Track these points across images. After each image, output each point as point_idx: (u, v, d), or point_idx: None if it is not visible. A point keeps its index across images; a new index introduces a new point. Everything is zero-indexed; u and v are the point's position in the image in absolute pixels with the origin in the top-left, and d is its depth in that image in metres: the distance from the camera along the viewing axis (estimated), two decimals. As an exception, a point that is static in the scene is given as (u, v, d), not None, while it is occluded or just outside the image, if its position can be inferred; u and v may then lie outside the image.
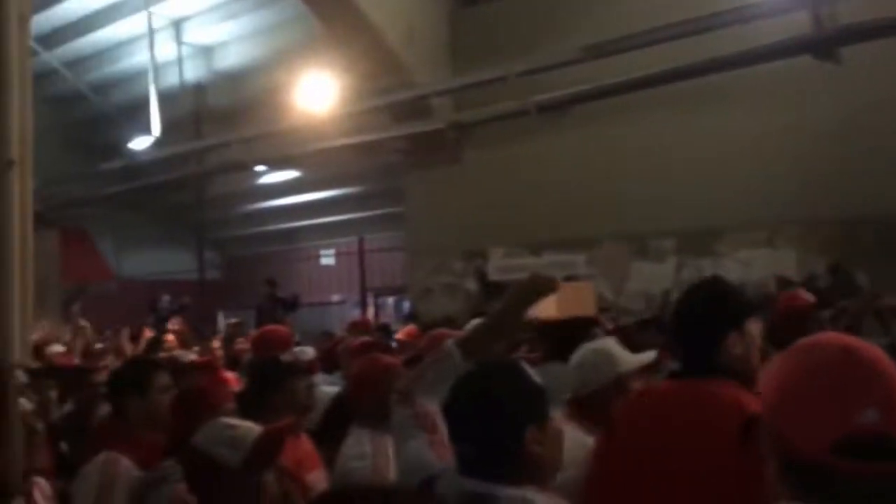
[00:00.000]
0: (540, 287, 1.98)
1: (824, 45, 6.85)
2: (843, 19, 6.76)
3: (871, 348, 1.23)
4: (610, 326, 4.77)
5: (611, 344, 2.81)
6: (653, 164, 8.29)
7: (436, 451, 1.89)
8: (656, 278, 8.40)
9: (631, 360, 2.68)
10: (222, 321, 8.22)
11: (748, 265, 8.02)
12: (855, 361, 1.19)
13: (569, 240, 9.02)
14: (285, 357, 3.38)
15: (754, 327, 1.99)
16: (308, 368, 3.86)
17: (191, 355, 5.41)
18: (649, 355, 2.64)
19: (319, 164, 11.17)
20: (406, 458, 1.87)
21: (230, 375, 4.07)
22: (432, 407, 1.84)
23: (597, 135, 8.65)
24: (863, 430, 1.13)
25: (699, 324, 2.02)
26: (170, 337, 7.41)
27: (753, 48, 7.12)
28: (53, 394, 4.28)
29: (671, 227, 8.38)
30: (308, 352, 4.16)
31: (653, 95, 8.07)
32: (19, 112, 4.59)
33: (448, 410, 1.68)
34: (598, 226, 8.74)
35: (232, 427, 2.14)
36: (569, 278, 9.06)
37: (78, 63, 13.34)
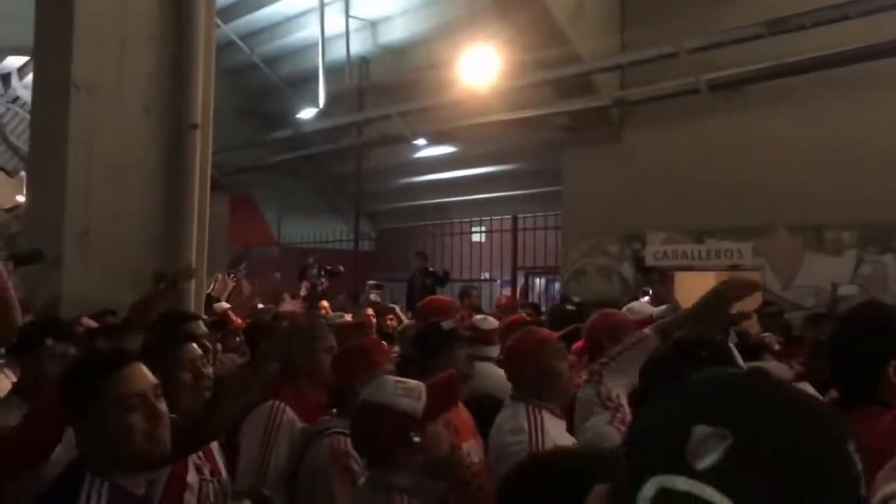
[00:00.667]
0: (740, 290, 1.87)
1: None
2: None
3: None
4: (776, 347, 4.48)
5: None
6: (830, 151, 7.70)
7: (615, 427, 1.83)
8: (832, 272, 7.80)
9: None
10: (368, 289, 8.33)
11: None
12: None
13: (734, 227, 8.56)
14: (447, 324, 3.34)
15: None
16: (482, 338, 3.85)
17: (346, 317, 5.54)
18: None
19: (477, 140, 11.16)
20: (588, 432, 1.82)
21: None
22: (618, 387, 1.78)
23: (770, 118, 8.11)
24: None
25: (857, 352, 1.93)
26: (324, 303, 7.64)
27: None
28: (219, 346, 4.47)
29: (852, 218, 7.75)
30: (491, 321, 4.13)
31: (830, 78, 7.51)
32: (204, 79, 4.84)
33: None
34: (767, 214, 8.22)
35: (402, 381, 2.13)
36: (733, 268, 8.74)
37: (252, 36, 13.95)
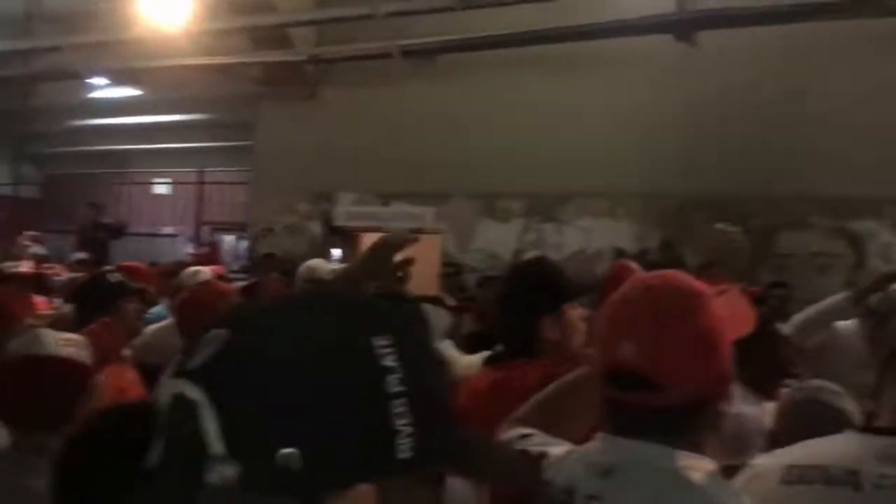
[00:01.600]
0: (399, 242, 1.90)
1: (687, 26, 7.08)
2: (703, 4, 7.03)
3: (653, 284, 1.27)
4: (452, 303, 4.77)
5: (447, 349, 2.84)
6: (512, 124, 8.31)
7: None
8: (501, 239, 8.51)
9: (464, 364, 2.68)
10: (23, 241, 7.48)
11: (590, 233, 8.27)
12: (622, 297, 1.26)
13: (420, 192, 8.93)
14: (114, 276, 3.06)
15: (575, 312, 1.98)
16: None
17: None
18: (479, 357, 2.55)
19: (164, 85, 10.40)
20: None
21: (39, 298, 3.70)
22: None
23: (459, 88, 8.54)
24: (620, 363, 1.19)
25: (516, 306, 2.03)
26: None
27: (619, 20, 7.27)
28: None
29: (520, 188, 8.48)
30: (205, 272, 3.85)
31: (520, 55, 8.09)
32: None
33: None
34: (449, 181, 8.69)
35: (59, 334, 1.93)
36: (417, 231, 9.06)
37: None
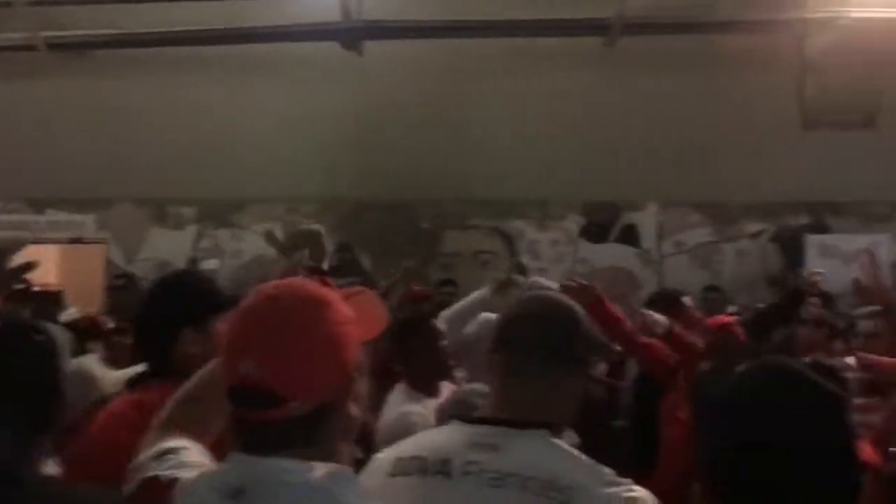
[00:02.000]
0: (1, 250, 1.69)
1: (350, 35, 7.27)
2: (370, 14, 7.28)
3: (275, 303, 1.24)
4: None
5: (91, 365, 2.65)
6: (181, 127, 7.89)
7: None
8: (174, 247, 8.08)
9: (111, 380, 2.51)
10: None
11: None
12: (244, 311, 1.23)
13: (78, 199, 8.17)
14: None
15: (221, 325, 1.93)
16: None
17: None
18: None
19: None
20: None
21: None
22: None
23: (120, 88, 7.92)
24: (244, 380, 1.17)
25: (153, 321, 1.93)
26: None
27: (283, 25, 7.27)
28: None
29: (193, 194, 8.12)
30: None
31: (188, 55, 7.77)
32: None
33: None
34: (113, 186, 8.03)
35: None
36: (76, 241, 8.32)
37: None
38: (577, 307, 1.66)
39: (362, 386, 1.27)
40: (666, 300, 4.37)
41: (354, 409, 1.25)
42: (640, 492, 1.42)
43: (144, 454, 1.36)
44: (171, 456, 1.32)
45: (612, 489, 1.40)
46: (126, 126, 7.91)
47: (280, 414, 1.16)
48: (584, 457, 1.48)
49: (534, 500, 1.38)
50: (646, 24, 7.12)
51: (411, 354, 3.17)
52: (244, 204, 8.19)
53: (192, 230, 8.26)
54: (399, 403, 3.02)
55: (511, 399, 1.54)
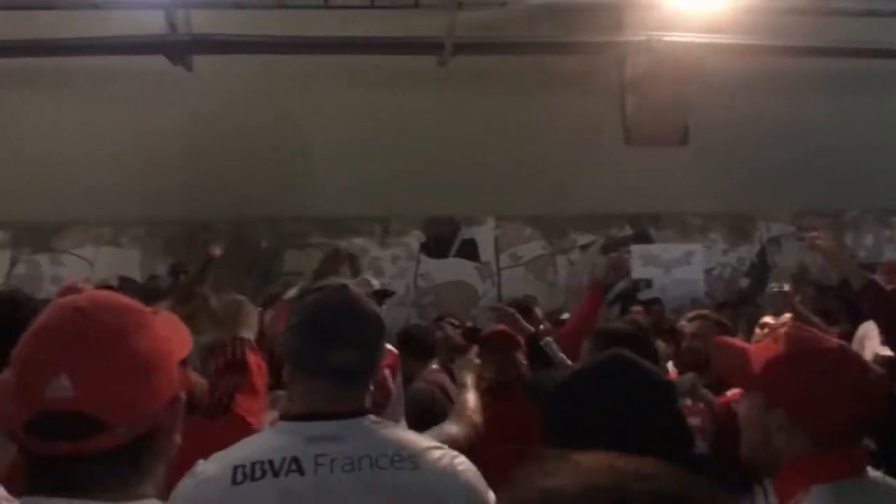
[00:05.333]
0: None
1: (177, 49, 7.00)
2: (199, 28, 7.03)
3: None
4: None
5: None
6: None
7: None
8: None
9: None
10: None
11: (92, 263, 7.69)
12: (43, 326, 1.06)
13: None
14: None
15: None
16: None
17: None
18: None
19: None
20: None
21: None
22: None
23: None
24: (52, 405, 0.99)
25: None
26: None
27: (107, 37, 6.90)
28: None
29: (6, 217, 7.53)
30: None
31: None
32: None
33: None
34: None
35: None
36: None
37: None
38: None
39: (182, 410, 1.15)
40: (519, 310, 4.50)
41: (178, 438, 1.14)
42: (461, 456, 1.65)
43: None
44: None
45: (442, 451, 1.63)
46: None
47: (102, 443, 1.00)
48: (408, 430, 1.75)
49: (389, 473, 1.53)
50: (476, 45, 7.30)
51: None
52: (64, 227, 7.67)
53: (5, 255, 7.64)
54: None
55: (334, 394, 1.62)
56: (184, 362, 1.23)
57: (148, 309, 1.20)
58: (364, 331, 1.66)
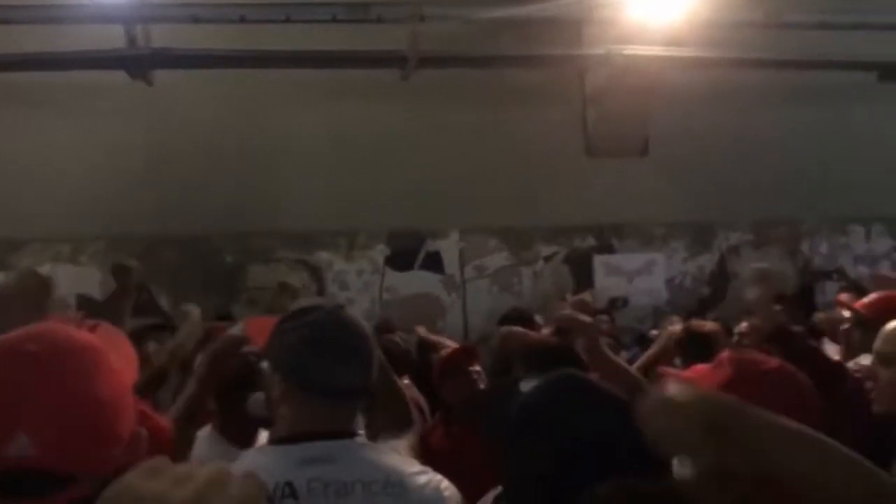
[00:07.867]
0: None
1: (136, 63, 6.93)
2: (159, 42, 6.96)
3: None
4: None
5: None
6: None
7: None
8: None
9: None
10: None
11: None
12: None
13: None
14: None
15: None
16: None
17: None
18: None
19: None
20: None
21: None
22: None
23: None
24: (14, 464, 0.95)
25: None
26: None
27: (63, 52, 6.80)
28: None
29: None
30: None
31: None
32: None
33: None
34: None
35: None
36: None
37: None
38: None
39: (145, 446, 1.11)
40: (521, 319, 4.53)
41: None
42: (445, 481, 1.67)
43: None
44: None
45: (427, 475, 1.65)
46: None
47: (69, 496, 0.96)
48: (395, 453, 1.73)
49: (381, 499, 1.54)
50: (438, 59, 7.33)
51: (230, 405, 2.86)
52: (22, 244, 7.52)
53: None
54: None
55: (329, 413, 1.64)
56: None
57: (87, 323, 1.17)
58: (364, 351, 1.68)
